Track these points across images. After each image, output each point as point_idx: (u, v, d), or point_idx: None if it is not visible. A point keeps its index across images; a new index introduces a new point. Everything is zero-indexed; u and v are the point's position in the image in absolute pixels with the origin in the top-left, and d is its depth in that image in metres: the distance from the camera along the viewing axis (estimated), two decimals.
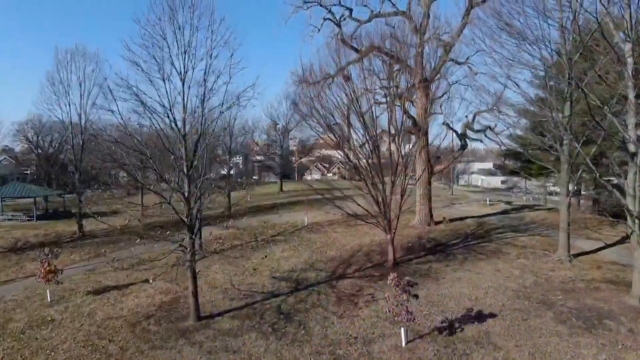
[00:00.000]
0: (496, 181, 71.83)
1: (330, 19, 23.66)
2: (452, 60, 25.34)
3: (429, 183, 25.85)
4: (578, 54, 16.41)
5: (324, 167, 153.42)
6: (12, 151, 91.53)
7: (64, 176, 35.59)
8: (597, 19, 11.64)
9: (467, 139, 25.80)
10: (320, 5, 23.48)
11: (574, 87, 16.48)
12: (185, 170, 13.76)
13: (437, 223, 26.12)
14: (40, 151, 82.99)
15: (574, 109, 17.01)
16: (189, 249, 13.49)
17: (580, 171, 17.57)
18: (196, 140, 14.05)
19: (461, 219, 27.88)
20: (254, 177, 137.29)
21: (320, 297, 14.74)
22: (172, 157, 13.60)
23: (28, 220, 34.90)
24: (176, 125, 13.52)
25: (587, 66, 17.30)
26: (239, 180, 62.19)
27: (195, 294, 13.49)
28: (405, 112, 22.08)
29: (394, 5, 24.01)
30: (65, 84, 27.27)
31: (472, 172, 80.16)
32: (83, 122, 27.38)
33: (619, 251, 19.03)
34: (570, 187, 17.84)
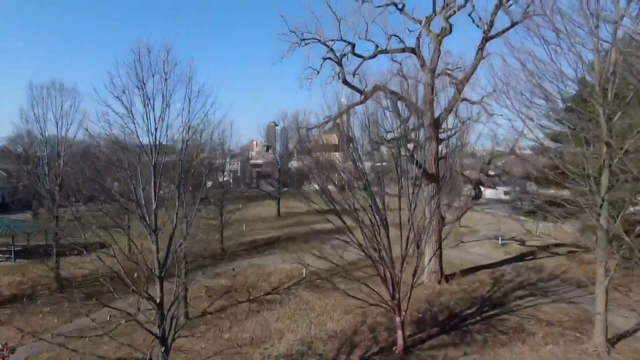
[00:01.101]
0: (499, 193, 69.67)
1: (330, 58, 21.39)
2: (465, 100, 23.06)
3: (440, 235, 23.50)
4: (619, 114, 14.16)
5: (324, 174, 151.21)
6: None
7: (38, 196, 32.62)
8: None
9: (481, 187, 23.47)
10: (320, 42, 21.25)
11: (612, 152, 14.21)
12: (157, 270, 11.42)
13: (447, 277, 23.78)
14: (28, 167, 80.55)
15: (614, 180, 14.67)
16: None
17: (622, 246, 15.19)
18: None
19: (474, 269, 25.54)
20: (252, 186, 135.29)
21: None
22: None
23: (7, 259, 32.49)
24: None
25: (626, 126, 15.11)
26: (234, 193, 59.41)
27: None
28: (417, 163, 19.82)
29: (401, 40, 21.74)
30: (40, 122, 25.12)
31: None
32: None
33: None
34: (610, 264, 15.47)
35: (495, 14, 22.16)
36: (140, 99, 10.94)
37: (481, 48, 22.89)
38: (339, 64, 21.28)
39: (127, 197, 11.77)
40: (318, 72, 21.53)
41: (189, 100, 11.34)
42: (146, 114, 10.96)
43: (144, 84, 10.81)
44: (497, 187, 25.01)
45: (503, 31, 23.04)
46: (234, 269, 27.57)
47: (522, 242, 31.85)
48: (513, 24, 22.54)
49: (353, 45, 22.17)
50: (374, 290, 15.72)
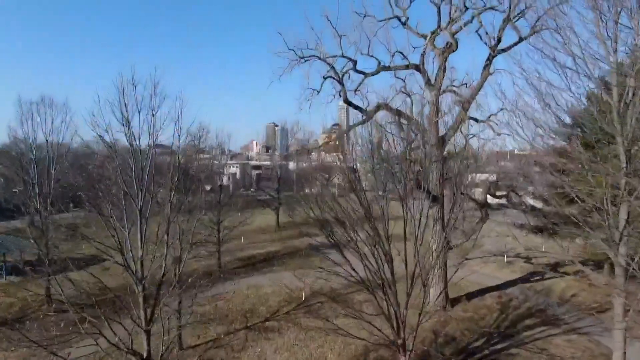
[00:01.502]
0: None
1: (331, 77, 20.50)
2: (472, 118, 22.18)
3: (445, 259, 22.60)
4: None
5: (324, 177, 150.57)
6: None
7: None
8: None
9: (488, 209, 22.58)
10: (320, 59, 20.35)
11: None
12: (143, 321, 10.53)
13: (453, 301, 22.89)
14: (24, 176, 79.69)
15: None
16: None
17: None
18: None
19: (480, 292, 24.64)
20: (252, 189, 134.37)
21: None
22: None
23: None
24: None
25: None
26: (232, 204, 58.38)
27: None
28: (421, 186, 18.97)
29: (404, 57, 20.86)
30: (30, 139, 24.32)
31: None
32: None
33: None
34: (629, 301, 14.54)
35: (503, 29, 21.31)
36: (124, 137, 10.06)
37: (488, 65, 22.04)
38: (341, 82, 20.42)
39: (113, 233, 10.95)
40: (318, 92, 20.70)
41: (179, 136, 10.46)
42: (131, 154, 10.08)
43: (128, 121, 9.94)
44: (504, 209, 24.15)
45: (510, 47, 22.20)
46: (233, 292, 26.67)
47: (528, 259, 30.95)
48: (520, 40, 21.73)
49: (355, 62, 21.31)
50: (376, 327, 14.81)
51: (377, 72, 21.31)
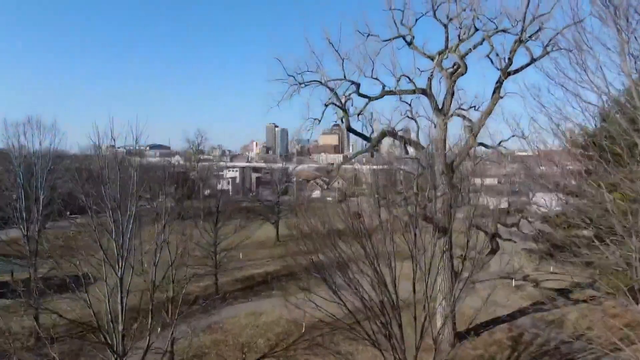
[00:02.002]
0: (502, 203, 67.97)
1: (334, 103, 19.38)
2: (481, 144, 21.07)
3: (453, 292, 21.45)
4: None
5: (324, 181, 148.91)
6: None
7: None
8: None
9: (498, 239, 21.45)
10: (322, 84, 19.20)
11: None
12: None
13: (460, 336, 21.75)
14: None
15: None
16: None
17: None
18: None
19: (489, 323, 23.47)
20: (251, 194, 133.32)
21: None
22: None
23: None
24: None
25: None
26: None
27: None
28: (427, 218, 17.90)
29: (410, 80, 19.74)
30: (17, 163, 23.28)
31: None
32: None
33: None
34: None
35: (515, 51, 20.22)
36: None
37: (498, 87, 20.95)
38: (343, 109, 19.28)
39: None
40: (320, 121, 19.58)
41: None
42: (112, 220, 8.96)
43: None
44: (514, 241, 23.00)
45: (522, 68, 21.17)
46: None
47: (537, 284, 29.73)
48: (532, 61, 20.67)
49: (358, 85, 20.21)
50: None
51: (381, 96, 20.19)
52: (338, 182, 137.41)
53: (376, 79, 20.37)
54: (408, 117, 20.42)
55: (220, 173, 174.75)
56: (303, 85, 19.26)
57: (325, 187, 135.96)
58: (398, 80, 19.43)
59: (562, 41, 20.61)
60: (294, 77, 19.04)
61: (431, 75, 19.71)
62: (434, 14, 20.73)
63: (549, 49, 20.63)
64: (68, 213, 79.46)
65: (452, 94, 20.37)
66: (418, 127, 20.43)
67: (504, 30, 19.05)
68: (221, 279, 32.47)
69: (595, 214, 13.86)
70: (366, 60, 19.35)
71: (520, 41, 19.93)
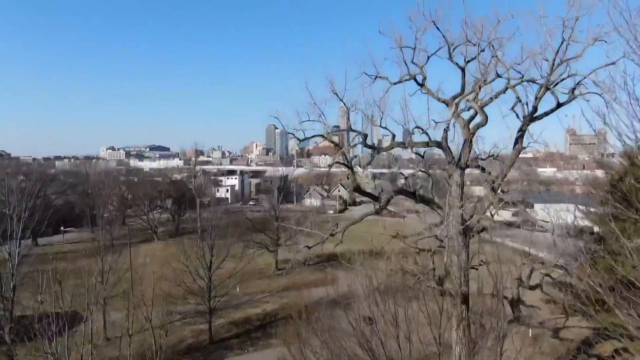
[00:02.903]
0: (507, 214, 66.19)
1: (339, 163, 17.25)
2: (501, 200, 18.94)
3: None
4: None
5: (324, 189, 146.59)
6: None
7: None
8: None
9: (521, 305, 19.36)
10: (325, 138, 17.05)
11: None
12: None
13: None
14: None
15: None
16: None
17: None
18: None
19: None
20: (251, 202, 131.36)
21: None
22: None
23: None
24: None
25: None
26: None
27: None
28: (443, 292, 15.90)
29: (424, 132, 17.66)
30: None
31: None
32: None
33: None
34: None
35: (540, 99, 18.14)
36: None
37: (520, 136, 18.86)
38: (349, 167, 17.14)
39: None
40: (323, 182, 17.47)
41: None
42: None
43: None
44: (539, 308, 20.93)
45: (546, 114, 19.14)
46: None
47: (556, 333, 27.62)
48: (558, 106, 18.63)
49: (365, 136, 18.06)
50: None
51: (390, 148, 18.08)
52: (338, 190, 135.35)
53: (385, 128, 18.29)
54: (421, 171, 18.35)
55: (220, 178, 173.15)
56: (305, 140, 17.23)
57: (325, 194, 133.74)
58: (411, 135, 17.29)
59: (588, 82, 18.71)
60: (293, 134, 16.94)
61: (447, 126, 17.57)
62: (450, 56, 18.65)
63: (576, 92, 18.67)
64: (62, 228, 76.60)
65: (470, 146, 18.27)
66: (433, 182, 18.33)
67: (532, 80, 16.97)
68: (216, 321, 30.46)
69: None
70: (373, 107, 17.24)
71: (547, 88, 17.86)
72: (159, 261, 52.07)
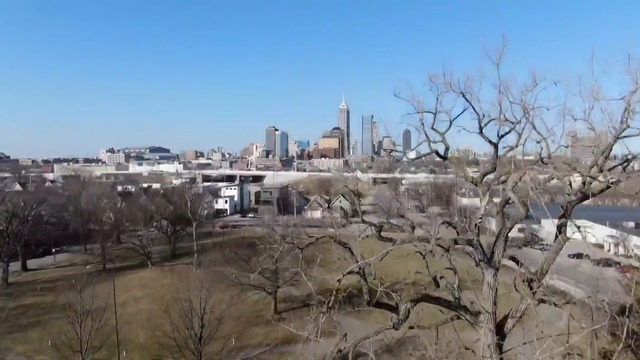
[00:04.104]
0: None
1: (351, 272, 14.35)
2: (542, 301, 16.07)
3: None
4: None
5: (325, 199, 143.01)
6: None
7: None
8: None
9: None
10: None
11: None
12: None
13: None
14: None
15: None
16: None
17: None
18: None
19: None
20: (250, 215, 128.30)
21: None
22: None
23: None
24: None
25: None
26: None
27: None
28: None
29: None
30: None
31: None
32: None
33: None
34: None
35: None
36: None
37: (563, 224, 15.98)
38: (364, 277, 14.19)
39: None
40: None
41: None
42: None
43: None
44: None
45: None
46: None
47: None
48: (607, 187, 15.78)
49: None
50: None
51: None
52: (339, 201, 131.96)
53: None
54: (449, 267, 15.50)
55: (219, 185, 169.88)
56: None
57: (326, 206, 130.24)
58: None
59: None
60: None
61: (480, 221, 14.63)
62: (480, 131, 15.82)
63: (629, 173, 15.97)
64: (53, 250, 73.72)
65: (506, 241, 15.37)
66: (460, 291, 15.51)
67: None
68: None
69: None
70: None
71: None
72: (149, 297, 49.37)
